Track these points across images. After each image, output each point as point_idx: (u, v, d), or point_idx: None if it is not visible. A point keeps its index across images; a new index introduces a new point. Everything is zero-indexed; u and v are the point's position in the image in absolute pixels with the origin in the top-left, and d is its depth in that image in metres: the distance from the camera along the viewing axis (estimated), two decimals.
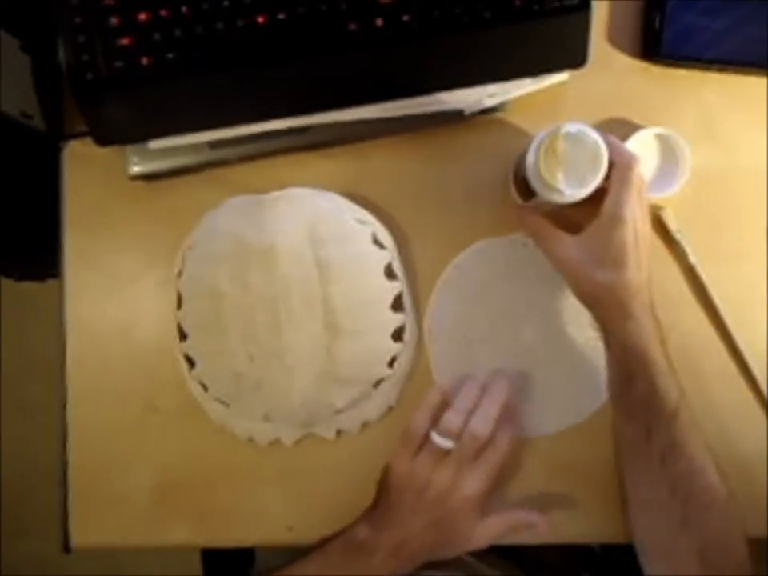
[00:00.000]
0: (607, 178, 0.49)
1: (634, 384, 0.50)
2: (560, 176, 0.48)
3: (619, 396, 0.53)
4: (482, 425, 0.53)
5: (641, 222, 0.49)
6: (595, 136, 0.48)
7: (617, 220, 0.48)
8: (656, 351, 0.50)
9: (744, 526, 0.51)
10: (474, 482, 0.52)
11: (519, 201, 0.56)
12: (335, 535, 0.54)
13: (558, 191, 0.49)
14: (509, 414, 0.55)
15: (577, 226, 0.51)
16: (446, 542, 0.53)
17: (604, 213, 0.49)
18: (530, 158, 0.50)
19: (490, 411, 0.54)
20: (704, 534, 0.50)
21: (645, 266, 0.50)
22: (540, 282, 0.59)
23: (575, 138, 0.48)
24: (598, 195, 0.49)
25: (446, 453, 0.53)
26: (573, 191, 0.49)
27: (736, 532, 0.51)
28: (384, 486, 0.54)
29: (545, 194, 0.50)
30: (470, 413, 0.54)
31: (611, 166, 0.49)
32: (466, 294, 0.59)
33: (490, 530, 0.53)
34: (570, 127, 0.48)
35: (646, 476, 0.52)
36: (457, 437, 0.53)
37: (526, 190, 0.52)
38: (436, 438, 0.53)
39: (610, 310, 0.50)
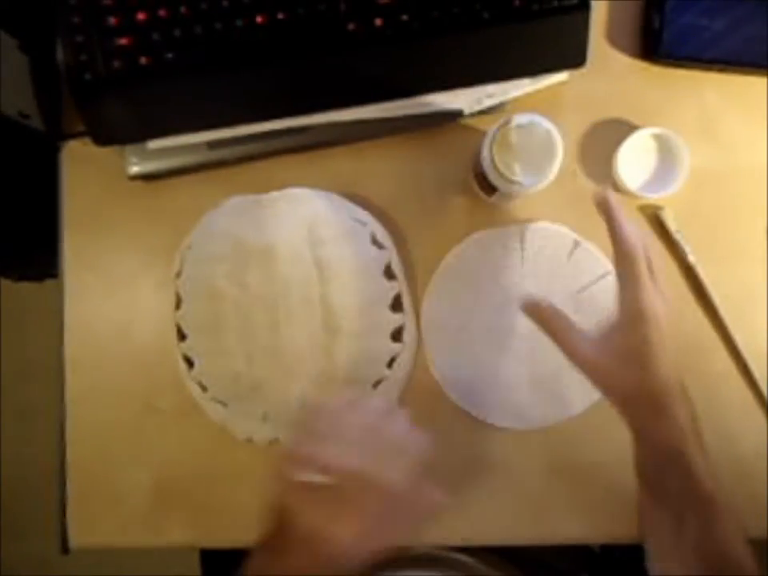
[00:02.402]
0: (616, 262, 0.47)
1: (667, 477, 0.47)
2: (516, 168, 0.49)
3: (651, 482, 0.49)
4: (347, 458, 0.44)
5: (662, 313, 0.46)
6: (546, 125, 0.49)
7: (637, 319, 0.45)
8: (691, 444, 0.46)
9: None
10: (346, 527, 0.44)
11: (484, 197, 0.57)
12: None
13: (518, 183, 0.49)
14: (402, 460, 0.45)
15: None
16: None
17: (622, 312, 0.46)
18: (484, 154, 0.50)
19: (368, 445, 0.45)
20: None
21: (671, 351, 0.46)
22: (535, 275, 0.59)
23: (527, 130, 0.49)
24: None
25: (323, 486, 0.44)
26: (531, 181, 0.49)
27: None
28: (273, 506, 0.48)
29: (505, 188, 0.51)
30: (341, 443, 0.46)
31: (617, 254, 0.46)
32: (462, 284, 0.59)
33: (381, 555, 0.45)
34: (520, 119, 0.49)
35: (675, 558, 0.48)
36: (326, 470, 0.44)
37: (487, 185, 0.53)
38: (306, 475, 0.44)
39: (640, 409, 0.47)
